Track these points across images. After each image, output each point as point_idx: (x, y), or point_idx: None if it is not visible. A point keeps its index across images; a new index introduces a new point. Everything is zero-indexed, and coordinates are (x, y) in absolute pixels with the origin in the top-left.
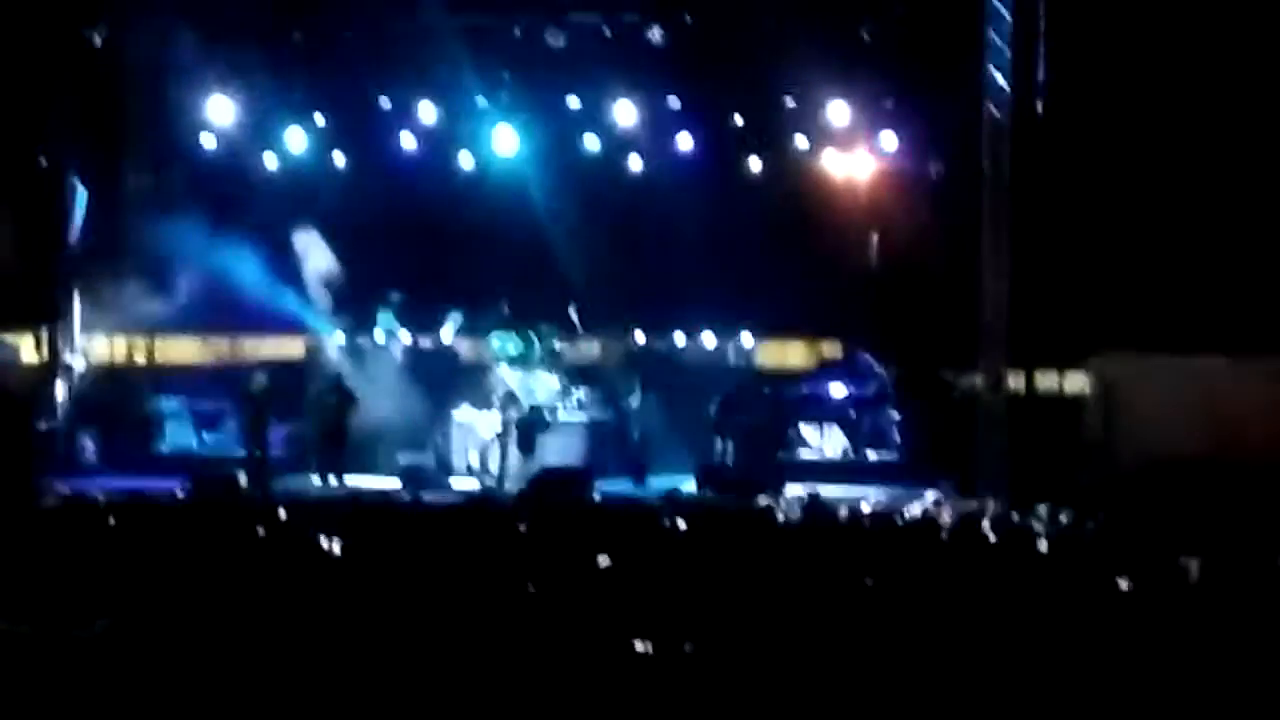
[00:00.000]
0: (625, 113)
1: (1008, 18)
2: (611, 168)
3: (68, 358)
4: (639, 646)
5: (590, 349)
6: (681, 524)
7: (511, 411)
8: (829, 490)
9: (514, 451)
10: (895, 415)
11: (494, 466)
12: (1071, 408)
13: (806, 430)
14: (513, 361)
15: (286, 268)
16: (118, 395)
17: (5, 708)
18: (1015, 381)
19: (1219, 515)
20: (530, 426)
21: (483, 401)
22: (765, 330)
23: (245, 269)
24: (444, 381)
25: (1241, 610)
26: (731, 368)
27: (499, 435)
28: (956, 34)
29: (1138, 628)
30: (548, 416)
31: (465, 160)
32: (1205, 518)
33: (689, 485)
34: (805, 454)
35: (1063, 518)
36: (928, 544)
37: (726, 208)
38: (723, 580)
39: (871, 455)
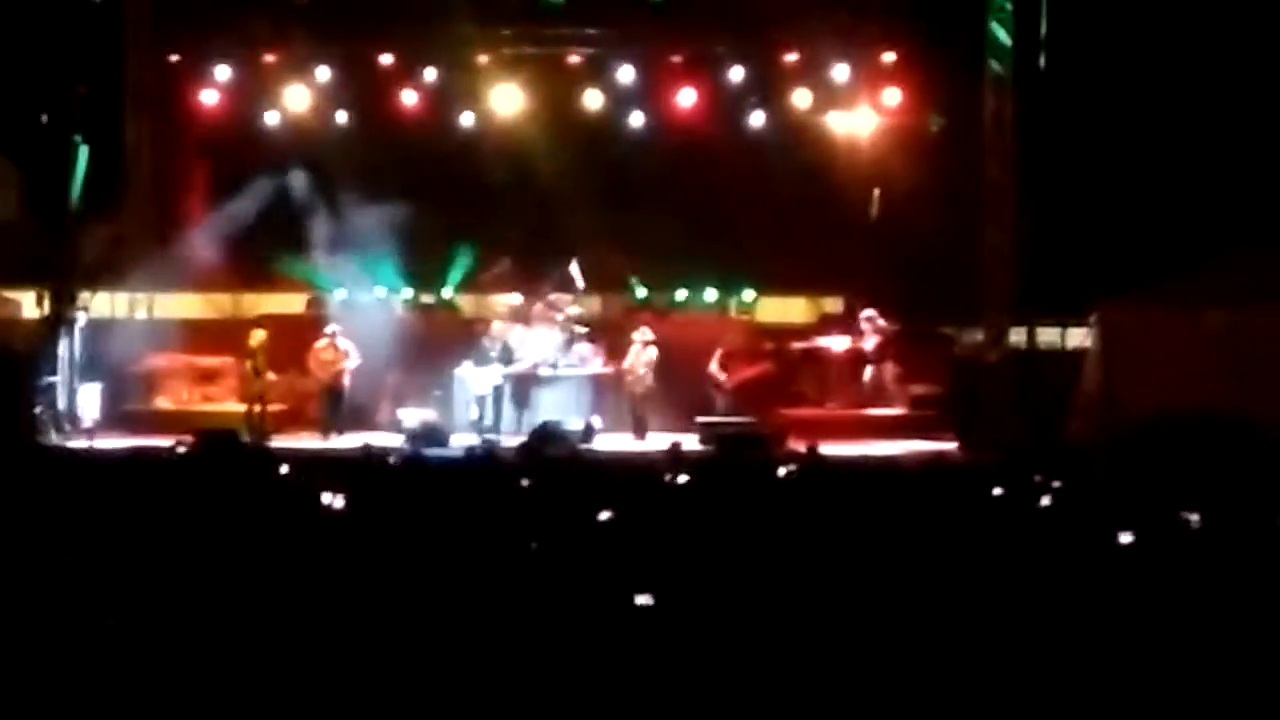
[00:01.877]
0: (626, 69)
1: None
2: (613, 124)
3: (70, 314)
4: (640, 600)
5: (591, 304)
6: (682, 478)
7: (511, 368)
8: (830, 446)
9: (514, 407)
10: (897, 370)
11: (492, 422)
12: (1074, 362)
13: (808, 386)
14: (514, 317)
15: (288, 222)
16: (119, 351)
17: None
18: (1017, 336)
19: (1222, 470)
20: (530, 383)
21: (483, 357)
22: (767, 286)
23: (246, 225)
24: (445, 338)
25: (1243, 566)
26: (733, 323)
27: (497, 389)
28: None
29: (1139, 582)
30: (549, 372)
31: (466, 118)
32: (1208, 472)
33: (689, 440)
34: (806, 410)
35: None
36: (930, 499)
37: (728, 164)
38: (724, 535)
39: (873, 411)
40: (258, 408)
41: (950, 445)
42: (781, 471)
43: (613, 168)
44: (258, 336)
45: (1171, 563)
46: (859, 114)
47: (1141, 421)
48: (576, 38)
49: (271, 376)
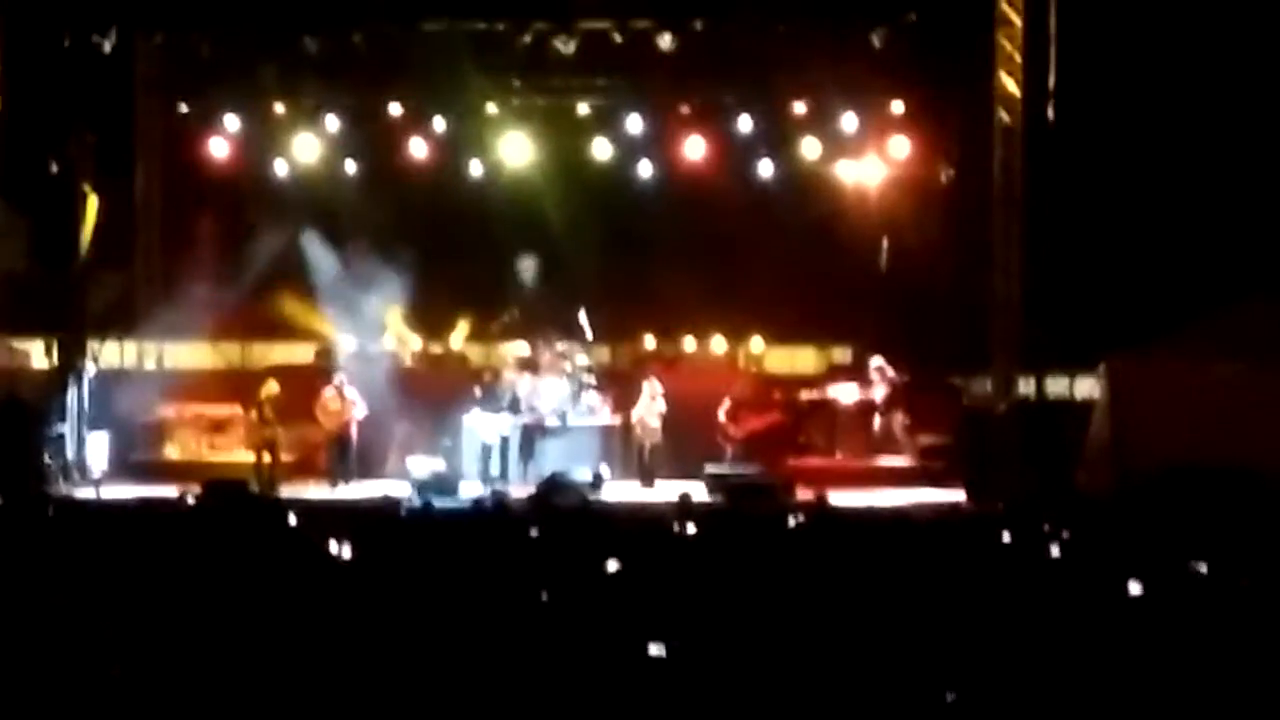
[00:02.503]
0: (635, 119)
1: (1018, 24)
2: (622, 174)
3: (78, 363)
4: (653, 650)
5: (600, 354)
6: (691, 529)
7: (520, 417)
8: (839, 496)
9: (522, 456)
10: (905, 420)
11: (501, 471)
12: (1083, 412)
13: (817, 436)
14: (522, 367)
15: (297, 273)
16: (128, 401)
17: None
18: (1026, 386)
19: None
20: (538, 432)
21: (492, 407)
22: (775, 335)
23: (256, 275)
24: (454, 387)
25: (1251, 617)
26: (742, 372)
27: (505, 438)
28: (967, 40)
29: (1148, 633)
30: (557, 422)
31: (475, 167)
32: (1216, 523)
33: (698, 490)
34: (815, 459)
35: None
36: (939, 548)
37: (737, 214)
38: (734, 585)
39: (882, 461)
40: (267, 458)
41: (958, 495)
42: (790, 522)
43: (621, 217)
44: (270, 388)
45: (1180, 613)
46: (867, 164)
47: (1149, 473)
48: (585, 87)
49: (280, 429)
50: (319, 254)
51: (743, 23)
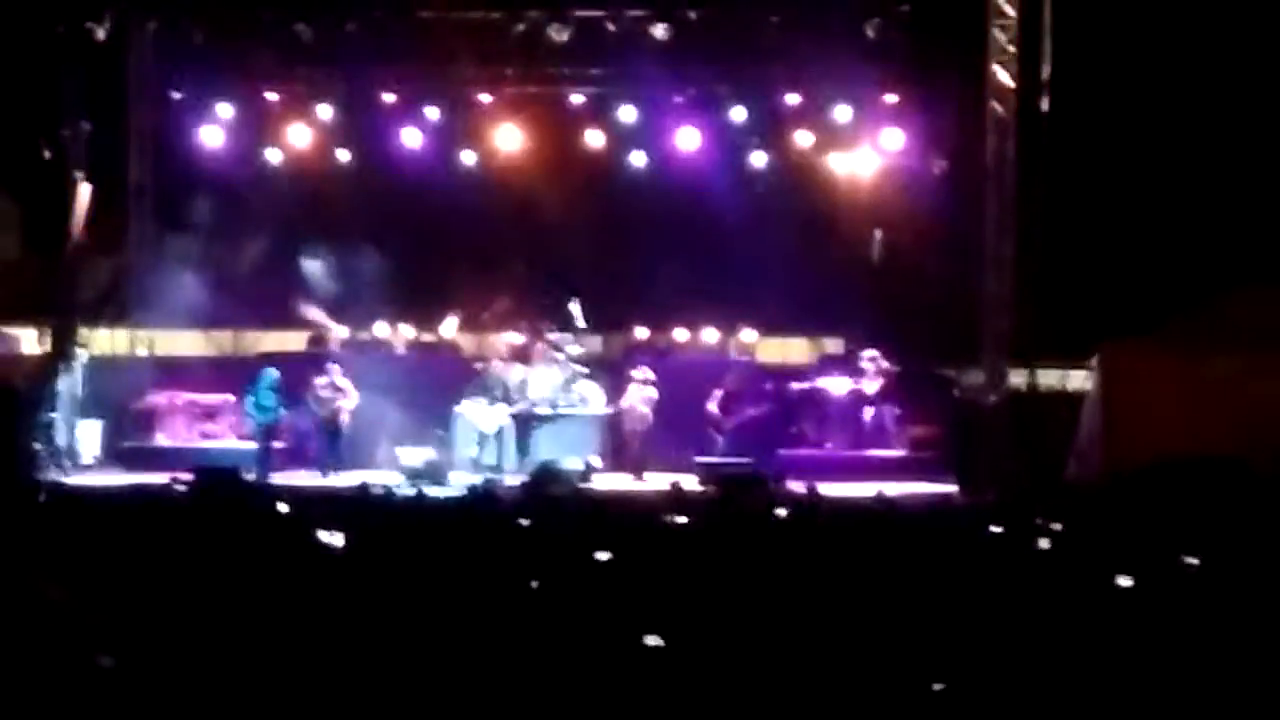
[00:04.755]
0: (628, 109)
1: (1012, 15)
2: (614, 163)
3: (70, 350)
4: (650, 641)
5: (592, 343)
6: (681, 519)
7: (511, 407)
8: (829, 487)
9: (513, 446)
10: (897, 412)
11: (493, 460)
12: (1075, 404)
13: (808, 427)
14: (514, 357)
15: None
16: (120, 388)
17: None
18: (1018, 378)
19: (1222, 514)
20: (529, 422)
21: (483, 397)
22: (767, 326)
23: (248, 263)
24: (445, 377)
25: (1242, 610)
26: (733, 363)
27: (499, 430)
28: (960, 31)
29: (1138, 626)
30: (548, 411)
31: (468, 156)
32: (1208, 516)
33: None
34: (806, 450)
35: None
36: (928, 541)
37: (729, 204)
38: (723, 575)
39: (873, 452)
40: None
41: (950, 487)
42: (781, 513)
43: (614, 207)
44: (270, 374)
45: (1171, 607)
46: (860, 155)
47: (1140, 465)
48: (578, 77)
49: (283, 412)
50: (312, 243)
51: (736, 13)
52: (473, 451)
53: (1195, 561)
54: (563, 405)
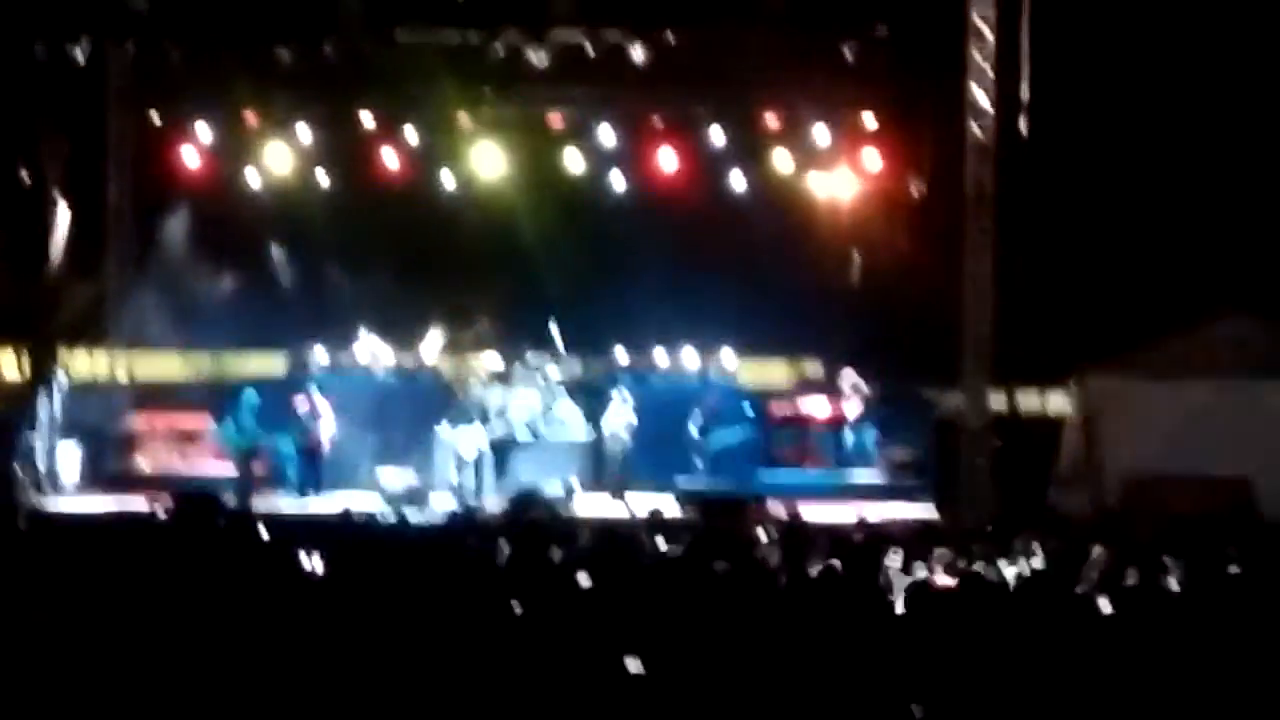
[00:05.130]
0: (607, 130)
1: (990, 37)
2: (594, 185)
3: (49, 373)
4: (631, 666)
5: (572, 367)
6: (662, 543)
7: (491, 430)
8: (810, 510)
9: (494, 470)
10: (877, 434)
11: (473, 485)
12: (1054, 428)
13: (786, 450)
14: (493, 380)
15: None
16: (99, 412)
17: None
18: (997, 401)
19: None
20: (510, 445)
21: (463, 420)
22: (747, 349)
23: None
24: (425, 400)
25: (1224, 633)
26: (713, 386)
27: (479, 454)
28: (939, 53)
29: (1120, 650)
30: (528, 435)
31: (447, 177)
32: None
33: (669, 504)
34: (786, 474)
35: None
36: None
37: (709, 225)
38: (703, 599)
39: (853, 475)
40: (240, 470)
41: (930, 510)
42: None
43: (594, 228)
44: (250, 398)
45: (1152, 630)
46: (839, 176)
47: (1121, 488)
48: (558, 98)
49: (263, 436)
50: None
51: (715, 35)
52: (451, 475)
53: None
54: (543, 428)
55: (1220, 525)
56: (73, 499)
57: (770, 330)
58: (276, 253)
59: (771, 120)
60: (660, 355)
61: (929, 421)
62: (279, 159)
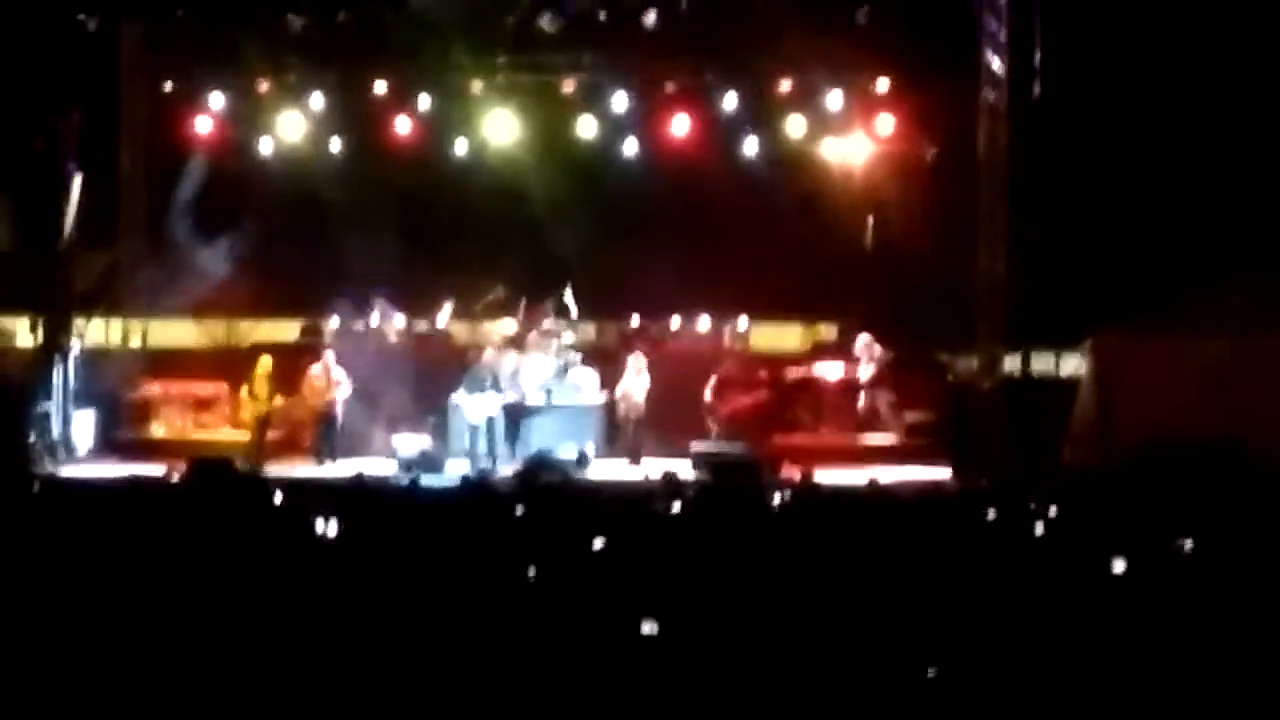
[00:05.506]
0: (620, 97)
1: (1003, 0)
2: (607, 151)
3: (64, 342)
4: (646, 628)
5: (586, 331)
6: (676, 506)
7: (505, 395)
8: (824, 473)
9: (508, 434)
10: (891, 397)
11: (487, 450)
12: (1068, 389)
13: (802, 413)
14: (507, 345)
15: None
16: (114, 379)
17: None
18: (1012, 363)
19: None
20: (524, 410)
21: (477, 385)
22: (761, 313)
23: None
24: (439, 365)
25: (1236, 594)
26: (727, 350)
27: (491, 419)
28: (952, 17)
29: (1132, 610)
30: (543, 399)
31: (460, 145)
32: (1202, 500)
33: (684, 468)
34: (800, 437)
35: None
36: (924, 526)
37: (722, 191)
38: (718, 562)
39: (867, 438)
40: (259, 434)
41: (944, 472)
42: (776, 499)
43: (607, 195)
44: (265, 364)
45: (1165, 591)
46: (853, 141)
47: (1135, 449)
48: (570, 65)
49: (279, 401)
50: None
51: (727, 0)
52: (467, 441)
53: (1189, 546)
54: (557, 394)
55: (1228, 483)
56: (87, 465)
57: (784, 294)
58: (290, 220)
59: (784, 85)
60: (674, 320)
61: (943, 384)
62: (292, 127)
